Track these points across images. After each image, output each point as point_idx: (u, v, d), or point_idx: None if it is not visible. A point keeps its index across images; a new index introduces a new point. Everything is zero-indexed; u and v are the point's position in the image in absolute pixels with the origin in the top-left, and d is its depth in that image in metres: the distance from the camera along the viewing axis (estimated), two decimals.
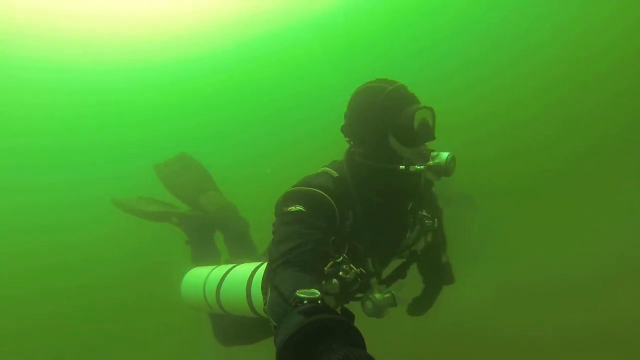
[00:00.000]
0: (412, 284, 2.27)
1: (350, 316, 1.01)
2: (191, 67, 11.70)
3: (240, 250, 3.07)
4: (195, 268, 2.75)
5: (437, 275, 2.36)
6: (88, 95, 10.95)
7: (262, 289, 1.48)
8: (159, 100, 11.61)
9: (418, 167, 1.68)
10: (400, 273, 2.07)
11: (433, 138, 1.77)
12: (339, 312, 0.99)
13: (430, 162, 1.67)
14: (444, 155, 1.67)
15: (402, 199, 1.92)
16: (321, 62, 11.14)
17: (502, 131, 7.85)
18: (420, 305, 2.36)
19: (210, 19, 10.73)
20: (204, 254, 3.11)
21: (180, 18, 10.60)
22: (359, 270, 1.71)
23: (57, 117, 10.72)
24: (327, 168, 1.83)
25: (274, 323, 1.17)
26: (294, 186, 1.69)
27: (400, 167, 1.70)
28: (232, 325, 2.42)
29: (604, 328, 3.25)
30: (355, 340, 0.95)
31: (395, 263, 2.10)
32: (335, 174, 1.76)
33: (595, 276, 3.90)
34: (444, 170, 1.66)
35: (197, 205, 3.34)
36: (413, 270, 2.20)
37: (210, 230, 3.25)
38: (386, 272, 2.03)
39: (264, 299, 1.36)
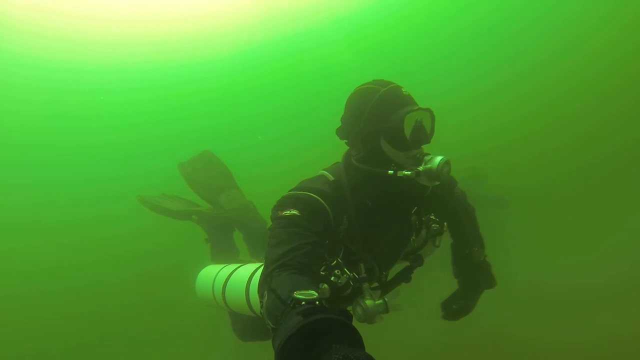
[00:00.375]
0: (418, 288, 2.21)
1: (349, 316, 1.01)
2: (217, 67, 11.82)
3: (259, 249, 3.09)
4: (209, 266, 2.78)
5: (474, 276, 2.20)
6: (112, 95, 11.21)
7: (258, 292, 1.47)
8: (181, 99, 11.76)
9: (406, 172, 1.65)
10: (403, 277, 2.05)
11: (426, 142, 1.72)
12: (337, 312, 0.99)
13: (421, 167, 1.64)
14: (437, 159, 1.64)
15: (401, 203, 1.86)
16: (345, 62, 11.12)
17: (531, 136, 7.74)
18: (457, 310, 2.20)
19: (234, 20, 10.79)
20: (223, 252, 3.14)
21: (204, 19, 10.67)
22: (352, 274, 1.71)
23: (81, 116, 11.03)
24: (324, 171, 1.82)
25: (271, 325, 1.17)
26: (290, 190, 1.70)
27: (389, 171, 1.68)
28: (248, 321, 2.43)
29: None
30: (354, 340, 0.95)
31: (399, 267, 2.09)
32: (332, 178, 1.75)
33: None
34: (436, 175, 1.63)
35: (218, 204, 3.37)
36: (421, 275, 2.15)
37: (229, 228, 3.28)
38: (391, 274, 2.03)
39: (260, 302, 1.36)
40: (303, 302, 1.05)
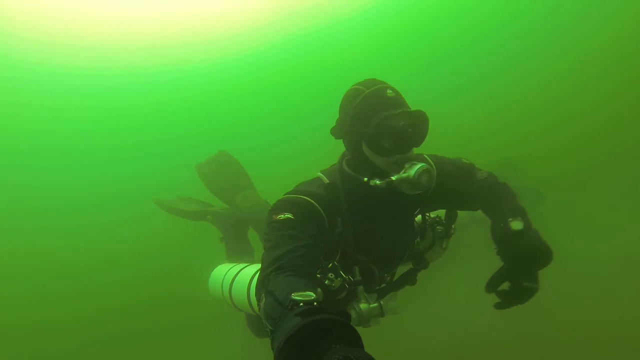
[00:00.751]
0: (420, 289, 2.15)
1: (347, 317, 1.00)
2: (230, 68, 11.88)
3: None
4: (221, 265, 2.80)
5: (515, 249, 1.64)
6: (122, 98, 11.36)
7: (256, 294, 1.45)
8: (194, 100, 11.82)
9: (377, 182, 1.61)
10: (408, 279, 2.01)
11: (408, 148, 1.64)
12: (336, 313, 0.99)
13: (394, 177, 1.60)
14: (414, 168, 1.58)
15: (399, 205, 1.81)
16: (357, 61, 11.07)
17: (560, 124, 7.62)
18: (512, 293, 1.68)
19: (244, 22, 10.85)
20: (237, 251, 3.16)
21: (214, 21, 10.81)
22: (348, 277, 1.71)
23: (92, 119, 11.23)
24: (321, 174, 1.82)
25: (269, 327, 1.15)
26: (285, 194, 1.69)
27: (364, 178, 1.65)
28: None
29: None
30: (353, 340, 0.95)
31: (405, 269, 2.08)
32: (326, 181, 1.75)
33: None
34: (414, 184, 1.58)
35: (233, 203, 3.39)
36: (428, 276, 2.10)
37: (243, 228, 3.30)
38: (397, 276, 2.01)
39: (258, 304, 1.36)
40: (301, 304, 1.05)
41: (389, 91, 1.64)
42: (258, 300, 1.37)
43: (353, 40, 11.34)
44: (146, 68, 11.31)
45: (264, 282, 1.38)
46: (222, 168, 3.53)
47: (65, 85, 10.98)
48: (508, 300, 1.67)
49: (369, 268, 1.80)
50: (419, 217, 2.01)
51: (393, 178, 1.59)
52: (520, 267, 1.63)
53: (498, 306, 1.69)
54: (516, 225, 1.65)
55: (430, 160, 1.80)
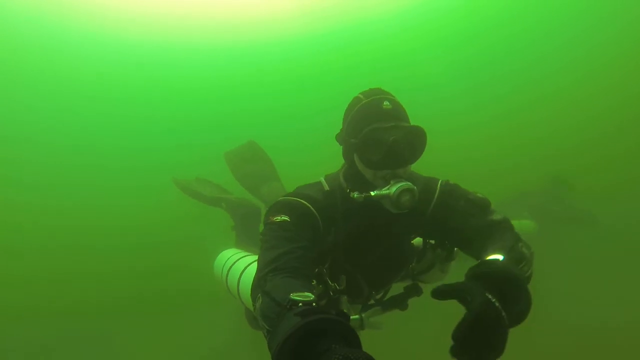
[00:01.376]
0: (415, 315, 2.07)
1: (346, 317, 0.99)
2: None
3: None
4: (225, 251, 2.85)
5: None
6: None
7: (251, 295, 1.43)
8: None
9: (355, 195, 1.60)
10: (398, 303, 1.96)
11: (400, 164, 1.59)
12: (335, 313, 1.00)
13: (373, 192, 1.57)
14: (395, 186, 1.54)
15: (384, 222, 1.74)
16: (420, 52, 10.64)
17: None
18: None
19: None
20: (246, 241, 3.18)
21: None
22: (333, 285, 1.71)
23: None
24: (323, 179, 1.81)
25: (266, 327, 1.14)
26: (284, 196, 1.70)
27: (347, 189, 1.65)
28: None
29: None
30: (352, 340, 0.95)
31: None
32: (326, 188, 1.74)
33: None
34: (394, 203, 1.54)
35: (258, 193, 3.43)
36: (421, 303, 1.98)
37: (255, 220, 3.31)
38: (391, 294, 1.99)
39: (253, 305, 1.35)
40: (300, 304, 1.05)
41: (385, 103, 1.60)
42: (254, 300, 1.36)
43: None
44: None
45: (260, 282, 1.37)
46: (252, 158, 3.55)
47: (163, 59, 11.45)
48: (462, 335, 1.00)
49: (356, 280, 1.79)
50: (418, 240, 1.98)
51: (372, 193, 1.57)
52: (478, 291, 1.07)
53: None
54: (496, 256, 1.33)
55: (430, 184, 1.75)
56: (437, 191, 1.74)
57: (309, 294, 1.09)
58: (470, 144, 8.99)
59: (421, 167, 1.75)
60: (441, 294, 1.08)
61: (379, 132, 1.55)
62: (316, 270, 1.71)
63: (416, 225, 1.81)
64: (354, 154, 1.64)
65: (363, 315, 1.77)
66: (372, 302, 1.96)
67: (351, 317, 1.66)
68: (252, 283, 1.45)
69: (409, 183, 1.54)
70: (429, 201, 1.74)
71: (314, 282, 1.69)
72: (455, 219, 1.68)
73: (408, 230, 1.86)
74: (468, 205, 1.67)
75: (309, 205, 1.62)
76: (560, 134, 8.18)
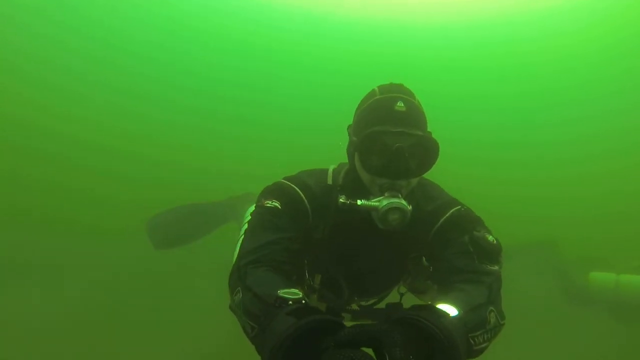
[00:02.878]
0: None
1: (339, 316, 1.02)
2: None
3: None
4: None
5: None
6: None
7: (229, 284, 1.38)
8: None
9: (342, 199, 1.46)
10: (373, 317, 1.77)
11: (402, 176, 1.44)
12: (329, 313, 0.99)
13: (359, 201, 1.44)
14: (386, 201, 1.39)
15: (375, 233, 1.57)
16: None
17: None
18: None
19: None
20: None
21: None
22: (308, 280, 1.66)
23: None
24: (330, 169, 1.71)
25: (250, 324, 1.12)
26: (285, 177, 1.64)
27: (338, 188, 1.57)
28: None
29: None
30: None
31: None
32: (329, 182, 1.64)
33: None
34: (380, 218, 1.40)
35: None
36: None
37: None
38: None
39: (231, 297, 1.31)
40: (290, 302, 1.03)
41: (399, 103, 1.44)
42: (232, 291, 1.32)
43: None
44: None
45: (240, 274, 1.33)
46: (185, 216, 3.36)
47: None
48: None
49: (337, 281, 1.70)
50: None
51: (358, 202, 1.44)
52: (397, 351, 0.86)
53: None
54: (449, 308, 1.11)
55: (444, 207, 1.59)
56: (445, 216, 1.56)
57: (297, 291, 1.07)
58: None
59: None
60: (351, 338, 0.87)
61: (384, 136, 1.41)
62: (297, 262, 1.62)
63: (415, 244, 1.66)
64: (355, 152, 1.51)
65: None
66: (354, 307, 1.81)
67: None
68: (231, 271, 1.41)
69: (402, 201, 1.39)
70: (432, 224, 1.57)
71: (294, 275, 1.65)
72: (449, 252, 1.50)
73: (402, 248, 1.70)
74: (471, 243, 1.47)
75: (303, 196, 1.56)
76: None
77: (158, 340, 3.61)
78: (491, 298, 1.30)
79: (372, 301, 1.89)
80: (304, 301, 1.04)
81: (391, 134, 1.40)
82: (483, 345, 1.17)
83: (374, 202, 1.41)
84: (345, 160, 1.64)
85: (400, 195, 1.41)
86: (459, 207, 1.59)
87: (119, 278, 4.67)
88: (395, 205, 1.37)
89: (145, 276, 4.66)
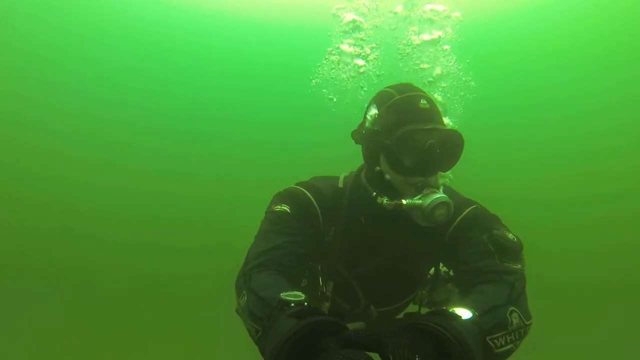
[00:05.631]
0: None
1: (342, 317, 0.97)
2: None
3: None
4: None
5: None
6: None
7: (236, 289, 1.38)
8: None
9: (386, 201, 1.45)
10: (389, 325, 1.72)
11: (433, 171, 1.45)
12: (330, 314, 0.97)
13: (405, 201, 1.42)
14: (431, 197, 1.40)
15: (404, 233, 1.60)
16: None
17: None
18: None
19: None
20: None
21: None
22: (322, 287, 1.64)
23: None
24: (342, 175, 1.72)
25: (255, 327, 1.13)
26: (297, 183, 1.65)
27: (373, 193, 1.51)
28: None
29: None
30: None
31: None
32: (340, 185, 1.66)
33: None
34: (427, 215, 1.40)
35: None
36: None
37: None
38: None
39: (237, 301, 1.32)
40: (292, 304, 1.02)
41: (422, 101, 1.46)
42: (238, 295, 1.33)
43: None
44: None
45: (245, 278, 1.34)
46: None
47: None
48: None
49: (351, 287, 1.69)
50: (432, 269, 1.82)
51: (404, 202, 1.42)
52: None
53: None
54: (463, 311, 1.06)
55: (461, 206, 1.56)
56: (461, 216, 1.54)
57: (300, 293, 1.07)
58: None
59: None
60: (355, 339, 0.85)
61: (417, 134, 1.42)
62: (309, 267, 1.65)
63: (432, 246, 1.63)
64: (380, 155, 1.49)
65: None
66: (375, 315, 1.76)
67: None
68: (238, 275, 1.42)
69: (445, 195, 1.41)
70: (449, 224, 1.54)
71: (305, 281, 1.67)
72: (468, 252, 1.49)
73: (421, 248, 1.67)
74: (491, 242, 1.44)
75: (312, 198, 1.56)
76: None
77: None
78: (513, 298, 1.26)
79: (389, 308, 1.84)
80: (306, 303, 1.04)
81: (423, 131, 1.41)
82: (506, 348, 1.13)
83: (417, 200, 1.41)
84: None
85: (439, 191, 1.43)
86: (475, 206, 1.59)
87: None
88: (442, 200, 1.39)
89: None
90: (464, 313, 1.05)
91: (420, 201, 1.40)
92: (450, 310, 1.04)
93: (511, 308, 1.21)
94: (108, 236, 7.21)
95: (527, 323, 1.24)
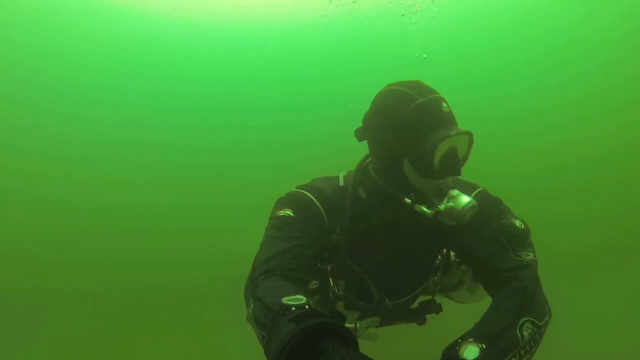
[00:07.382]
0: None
1: (342, 318, 0.98)
2: None
3: None
4: None
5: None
6: None
7: (244, 298, 1.41)
8: None
9: (425, 210, 1.44)
10: (414, 316, 1.89)
11: (456, 172, 1.48)
12: (331, 316, 0.98)
13: (442, 207, 1.44)
14: (463, 200, 1.42)
15: (416, 230, 1.63)
16: None
17: None
18: None
19: None
20: None
21: None
22: (333, 287, 1.65)
23: None
24: (341, 175, 1.73)
25: (262, 333, 1.15)
26: (298, 187, 1.66)
27: (406, 199, 1.48)
28: None
29: None
30: (349, 340, 0.94)
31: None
32: (341, 184, 1.66)
33: None
34: (458, 217, 1.42)
35: None
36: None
37: None
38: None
39: (246, 309, 1.34)
40: (293, 308, 1.02)
41: (444, 105, 1.46)
42: (246, 304, 1.35)
43: None
44: None
45: (252, 286, 1.36)
46: None
47: None
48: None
49: (364, 283, 1.70)
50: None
51: (441, 208, 1.43)
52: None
53: None
54: (469, 353, 1.18)
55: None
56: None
57: (301, 297, 1.06)
58: None
59: None
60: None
61: (449, 141, 1.42)
62: (319, 269, 1.65)
63: (438, 233, 1.65)
64: (403, 160, 1.48)
65: (358, 324, 1.70)
66: (390, 308, 1.79)
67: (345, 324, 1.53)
68: (245, 285, 1.44)
69: (472, 199, 1.43)
70: None
71: (316, 283, 1.67)
72: (479, 243, 1.55)
73: (429, 235, 1.69)
74: (501, 232, 1.52)
75: (314, 199, 1.57)
76: None
77: None
78: (525, 306, 1.32)
79: (403, 300, 1.87)
80: (307, 306, 1.04)
81: (453, 137, 1.42)
82: (525, 358, 1.23)
83: (450, 204, 1.43)
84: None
85: (463, 193, 1.46)
86: (479, 189, 1.64)
87: None
88: (474, 203, 1.42)
89: None
90: (471, 352, 1.15)
91: (452, 204, 1.42)
92: (460, 351, 1.16)
93: (522, 319, 1.28)
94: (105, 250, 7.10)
95: (541, 324, 1.31)
